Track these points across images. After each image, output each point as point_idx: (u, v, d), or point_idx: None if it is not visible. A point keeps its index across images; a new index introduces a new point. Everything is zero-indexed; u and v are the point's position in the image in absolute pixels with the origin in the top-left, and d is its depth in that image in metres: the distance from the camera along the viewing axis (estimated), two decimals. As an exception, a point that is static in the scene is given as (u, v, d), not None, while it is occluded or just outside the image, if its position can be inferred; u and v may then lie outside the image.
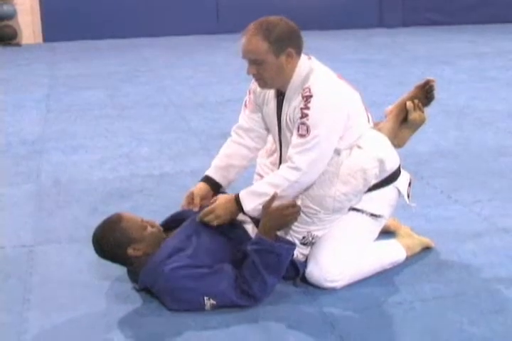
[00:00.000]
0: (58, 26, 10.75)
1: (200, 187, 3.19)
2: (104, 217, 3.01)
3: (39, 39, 10.90)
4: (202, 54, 9.58)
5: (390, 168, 3.01)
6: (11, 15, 10.51)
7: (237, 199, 2.95)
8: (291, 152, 2.89)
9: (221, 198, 3.02)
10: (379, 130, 3.15)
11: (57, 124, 5.93)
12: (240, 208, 2.94)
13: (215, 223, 2.96)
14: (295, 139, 2.87)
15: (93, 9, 10.79)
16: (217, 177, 3.20)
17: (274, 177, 2.95)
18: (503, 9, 11.97)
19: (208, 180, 3.21)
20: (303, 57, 2.93)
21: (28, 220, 3.84)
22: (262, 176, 3.27)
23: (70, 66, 8.85)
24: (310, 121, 2.82)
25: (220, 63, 8.86)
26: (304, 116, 2.83)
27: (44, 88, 7.49)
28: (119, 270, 3.04)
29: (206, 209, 2.98)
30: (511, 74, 7.80)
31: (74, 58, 9.44)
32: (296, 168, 2.85)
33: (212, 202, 3.02)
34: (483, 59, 8.80)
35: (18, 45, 10.67)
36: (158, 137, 5.47)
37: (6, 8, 10.39)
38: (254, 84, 3.08)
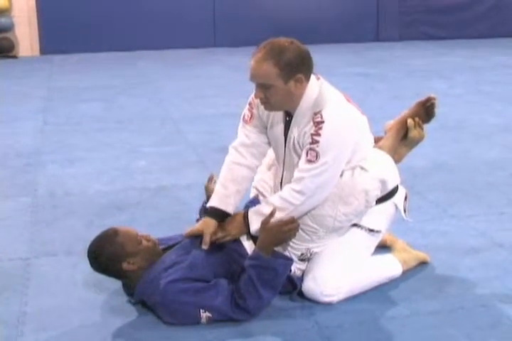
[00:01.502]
0: (55, 39, 10.77)
1: (208, 224, 2.98)
2: (100, 230, 3.01)
3: (36, 51, 10.91)
4: (199, 67, 9.60)
5: (391, 186, 3.02)
6: (9, 28, 10.53)
7: (245, 217, 2.94)
8: (297, 176, 2.87)
9: (231, 216, 3.00)
10: (380, 147, 3.16)
11: (53, 137, 5.93)
12: (247, 225, 2.94)
13: (224, 239, 2.95)
14: (303, 164, 2.85)
15: (90, 22, 10.81)
16: (223, 206, 3.01)
17: (278, 200, 2.90)
18: (499, 24, 12.05)
19: (215, 212, 3.01)
20: (312, 77, 2.89)
21: (25, 233, 3.83)
22: (259, 190, 3.27)
23: (67, 78, 8.86)
24: (320, 148, 2.81)
25: (216, 76, 8.88)
26: (314, 142, 2.82)
27: (41, 100, 7.49)
28: (115, 283, 3.03)
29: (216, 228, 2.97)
30: (507, 88, 7.83)
31: (71, 71, 9.46)
32: (301, 192, 2.85)
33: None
34: (479, 73, 8.83)
35: (15, 57, 10.68)
36: (154, 150, 5.48)
37: (3, 20, 10.41)
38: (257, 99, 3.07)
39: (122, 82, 8.55)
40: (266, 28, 10.95)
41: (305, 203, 2.87)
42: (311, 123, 2.85)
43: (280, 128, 2.99)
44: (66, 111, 6.92)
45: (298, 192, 2.85)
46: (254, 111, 3.06)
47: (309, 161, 2.83)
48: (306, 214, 2.93)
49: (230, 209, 3.02)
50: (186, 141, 5.72)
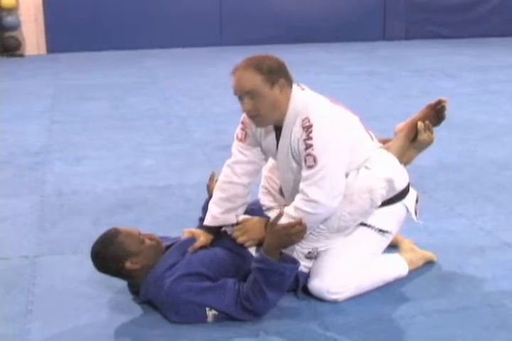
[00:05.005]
0: (62, 37, 10.78)
1: (206, 235, 3.06)
2: (107, 228, 3.01)
3: (43, 50, 10.93)
4: (205, 65, 9.61)
5: (399, 187, 3.02)
6: (15, 26, 10.54)
7: (266, 225, 2.93)
8: (302, 185, 2.87)
9: (252, 220, 3.04)
10: (388, 148, 3.16)
11: (60, 135, 5.94)
12: None
13: (247, 244, 2.98)
14: (304, 171, 2.86)
15: (97, 21, 10.83)
16: (216, 224, 3.10)
17: (294, 210, 2.88)
18: (507, 23, 12.01)
19: (209, 230, 3.10)
20: (296, 88, 2.95)
21: (32, 231, 3.84)
22: (267, 189, 3.29)
23: (73, 77, 8.87)
24: (316, 151, 2.81)
25: (222, 75, 8.82)
26: (308, 146, 2.83)
27: (48, 99, 7.50)
28: (121, 281, 3.03)
29: (238, 230, 3.01)
30: (514, 87, 7.81)
31: (77, 69, 9.47)
32: (312, 201, 2.84)
33: (242, 222, 3.03)
34: (487, 72, 8.81)
35: (22, 55, 10.70)
36: (161, 148, 5.48)
37: (10, 19, 10.43)
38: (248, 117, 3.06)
39: (129, 81, 8.56)
40: (272, 26, 10.95)
41: (320, 210, 2.85)
42: (301, 129, 2.86)
43: (272, 141, 3.01)
44: (73, 110, 6.93)
45: (309, 201, 2.85)
46: (248, 130, 3.10)
47: (309, 167, 2.84)
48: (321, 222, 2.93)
49: (226, 223, 3.09)
50: (193, 140, 5.73)
